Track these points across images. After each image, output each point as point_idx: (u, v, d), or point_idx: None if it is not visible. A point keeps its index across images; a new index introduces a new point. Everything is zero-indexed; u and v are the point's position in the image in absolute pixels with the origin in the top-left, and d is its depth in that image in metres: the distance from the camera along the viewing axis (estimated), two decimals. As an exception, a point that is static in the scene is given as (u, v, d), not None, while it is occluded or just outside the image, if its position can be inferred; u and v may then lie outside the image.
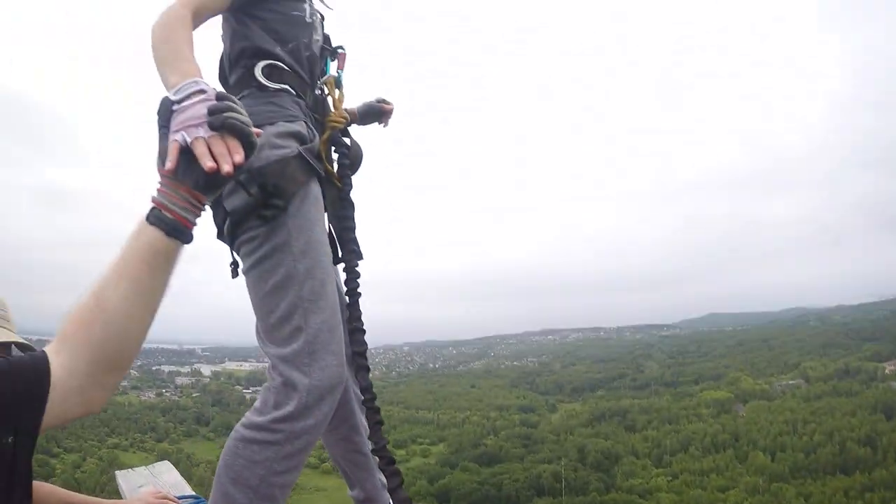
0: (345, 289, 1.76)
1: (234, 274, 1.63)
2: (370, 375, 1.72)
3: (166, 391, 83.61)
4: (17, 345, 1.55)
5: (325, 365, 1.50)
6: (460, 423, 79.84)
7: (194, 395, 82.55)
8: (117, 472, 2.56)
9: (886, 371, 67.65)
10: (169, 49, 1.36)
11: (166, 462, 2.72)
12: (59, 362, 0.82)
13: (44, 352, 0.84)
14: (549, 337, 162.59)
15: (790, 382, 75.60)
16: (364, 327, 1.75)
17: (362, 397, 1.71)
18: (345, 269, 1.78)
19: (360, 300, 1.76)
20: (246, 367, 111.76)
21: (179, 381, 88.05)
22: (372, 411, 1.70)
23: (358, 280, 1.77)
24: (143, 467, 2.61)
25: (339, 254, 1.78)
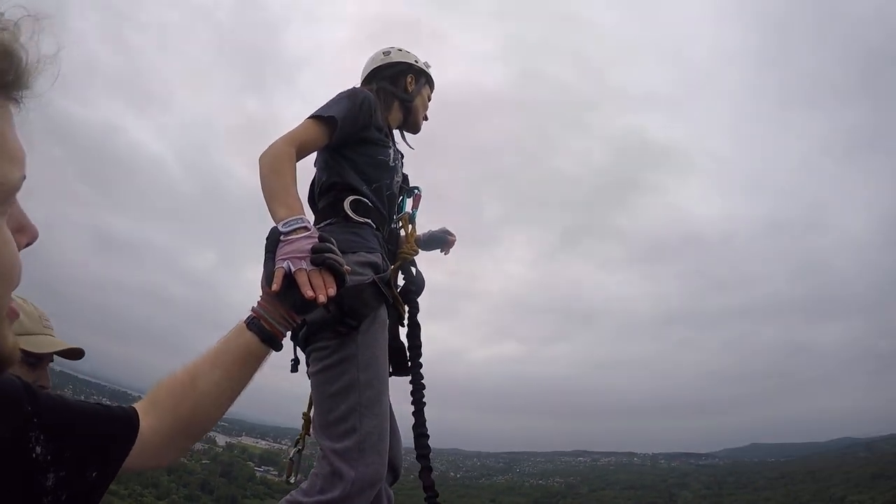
0: (411, 399, 2.06)
1: (294, 369, 1.93)
2: (432, 475, 2.04)
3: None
4: (63, 352, 1.69)
5: (370, 462, 1.71)
6: (476, 537, 74.27)
7: (204, 461, 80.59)
8: None
9: (938, 504, 60.69)
10: (278, 184, 1.65)
11: None
12: (146, 422, 0.94)
13: (134, 408, 0.96)
14: (580, 458, 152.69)
15: (835, 517, 68.52)
16: (428, 433, 2.05)
17: (425, 494, 2.03)
18: (411, 382, 2.08)
19: (425, 409, 2.07)
20: (262, 444, 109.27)
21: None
22: None
23: (423, 391, 2.07)
24: None
25: (402, 367, 2.11)
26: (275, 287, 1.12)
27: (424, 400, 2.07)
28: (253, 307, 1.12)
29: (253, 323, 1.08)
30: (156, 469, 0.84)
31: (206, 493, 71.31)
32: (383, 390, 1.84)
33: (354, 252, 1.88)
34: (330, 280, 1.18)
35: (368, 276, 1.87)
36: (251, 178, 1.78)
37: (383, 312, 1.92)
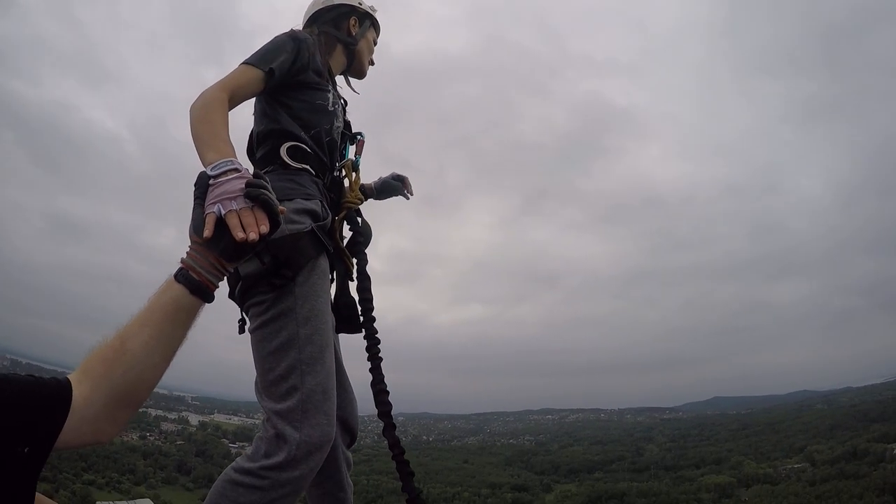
0: (367, 354, 1.95)
1: (241, 331, 1.80)
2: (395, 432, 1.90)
3: (150, 435, 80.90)
4: None
5: (315, 423, 1.61)
6: (450, 499, 75.89)
7: (178, 442, 79.79)
8: (98, 503, 2.69)
9: (895, 452, 64.97)
10: (208, 129, 1.53)
11: (147, 500, 2.91)
12: (79, 391, 0.89)
13: (67, 379, 0.91)
14: (548, 416, 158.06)
15: (795, 466, 72.44)
16: (388, 389, 1.93)
17: (391, 452, 1.89)
18: (365, 337, 1.96)
19: (382, 364, 1.95)
20: (235, 420, 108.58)
21: (165, 426, 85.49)
22: (402, 464, 1.88)
23: (378, 346, 1.96)
24: (125, 501, 2.80)
25: (353, 323, 1.96)
26: (206, 233, 1.06)
27: (381, 355, 1.96)
28: (181, 258, 1.07)
29: (181, 274, 1.03)
30: (96, 445, 0.96)
31: (183, 475, 70.75)
32: (326, 346, 1.71)
33: (291, 199, 1.76)
34: (263, 217, 1.11)
35: (306, 223, 1.75)
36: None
37: (324, 262, 1.80)
